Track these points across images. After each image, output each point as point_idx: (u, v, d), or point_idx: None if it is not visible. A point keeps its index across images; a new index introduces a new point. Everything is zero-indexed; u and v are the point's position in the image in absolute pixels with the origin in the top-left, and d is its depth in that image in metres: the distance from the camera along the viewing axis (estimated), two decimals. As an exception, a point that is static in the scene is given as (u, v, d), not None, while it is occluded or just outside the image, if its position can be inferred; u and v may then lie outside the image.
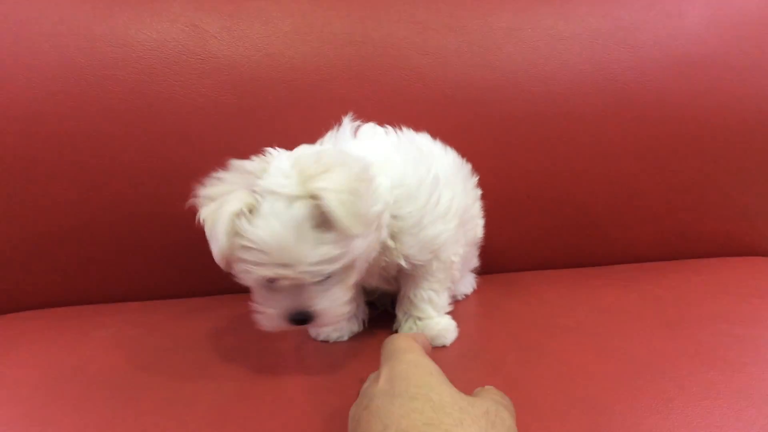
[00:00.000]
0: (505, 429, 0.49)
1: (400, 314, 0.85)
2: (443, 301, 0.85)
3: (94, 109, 0.94)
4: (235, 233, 0.65)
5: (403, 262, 0.77)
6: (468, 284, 0.98)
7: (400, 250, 0.76)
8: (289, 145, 0.73)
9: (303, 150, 0.72)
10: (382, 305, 0.94)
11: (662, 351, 0.78)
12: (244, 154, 0.95)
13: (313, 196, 0.64)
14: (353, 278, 0.70)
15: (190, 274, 0.99)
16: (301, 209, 0.64)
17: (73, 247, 0.96)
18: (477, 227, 0.93)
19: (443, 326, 0.82)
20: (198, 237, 0.97)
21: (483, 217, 0.96)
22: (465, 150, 1.00)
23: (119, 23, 0.96)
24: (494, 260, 1.07)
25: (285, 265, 0.65)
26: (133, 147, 0.95)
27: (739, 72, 1.11)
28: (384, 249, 0.76)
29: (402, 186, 0.75)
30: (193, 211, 0.96)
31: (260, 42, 0.98)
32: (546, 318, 0.89)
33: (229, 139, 0.97)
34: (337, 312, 0.70)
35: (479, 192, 0.93)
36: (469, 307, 0.94)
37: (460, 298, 0.96)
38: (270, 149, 0.71)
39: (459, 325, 0.84)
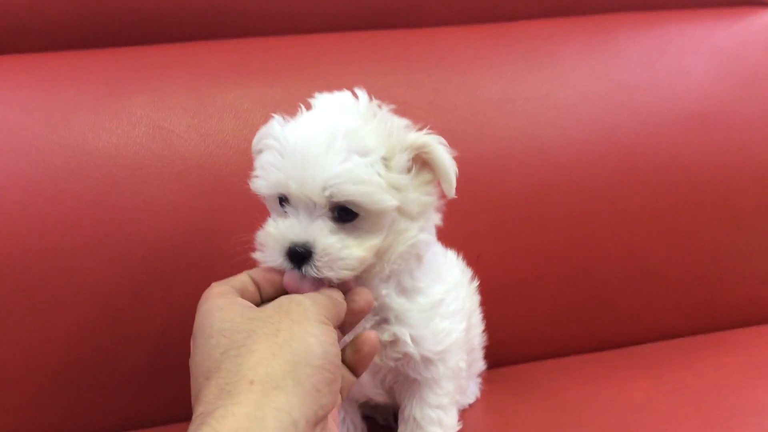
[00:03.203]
0: (300, 308, 0.51)
1: (404, 438, 0.75)
2: (452, 419, 0.75)
3: (52, 227, 0.85)
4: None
5: (412, 349, 0.67)
6: (471, 393, 0.88)
7: (410, 334, 0.67)
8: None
9: None
10: (384, 419, 0.84)
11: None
12: (222, 263, 0.88)
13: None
14: (372, 239, 0.60)
15: (165, 399, 0.89)
16: (347, 123, 0.59)
17: (34, 380, 0.86)
18: (476, 336, 0.84)
19: (454, 451, 0.72)
20: (175, 359, 0.88)
21: (482, 324, 0.87)
22: (463, 233, 0.91)
23: (75, 129, 0.88)
24: (502, 352, 0.97)
25: (300, 180, 0.57)
26: (98, 265, 0.85)
27: (753, 127, 1.04)
28: (393, 338, 0.67)
29: (433, 261, 0.69)
30: (170, 333, 0.88)
31: (231, 139, 0.90)
32: (570, 426, 0.80)
33: (203, 247, 0.88)
34: (340, 258, 0.58)
35: (479, 299, 0.83)
36: (479, 417, 0.85)
37: (462, 408, 0.86)
38: None
39: (472, 445, 0.74)
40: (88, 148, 0.88)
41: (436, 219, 0.68)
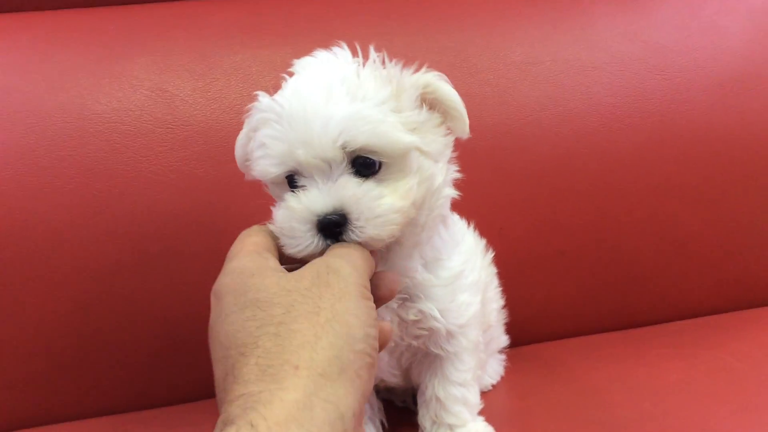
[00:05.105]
0: (341, 280, 0.48)
1: (427, 423, 0.70)
2: (476, 397, 0.72)
3: (49, 197, 0.81)
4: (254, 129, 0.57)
5: (440, 324, 0.64)
6: (494, 372, 0.83)
7: (436, 307, 0.64)
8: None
9: None
10: (403, 402, 0.80)
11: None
12: (229, 233, 0.83)
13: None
14: (404, 183, 0.54)
15: (171, 378, 0.85)
16: (340, 69, 0.55)
17: (33, 360, 0.82)
18: (492, 312, 0.79)
19: (480, 434, 0.69)
20: (181, 335, 0.84)
21: (502, 300, 0.83)
22: (484, 205, 0.88)
23: (73, 93, 0.83)
24: (526, 330, 0.93)
25: (307, 141, 0.52)
26: (98, 237, 0.81)
27: (794, 92, 0.98)
28: (419, 317, 0.64)
29: (452, 227, 0.67)
30: (175, 308, 0.84)
31: (238, 103, 0.86)
32: (601, 409, 0.75)
33: (209, 218, 0.83)
34: (378, 215, 0.52)
35: (495, 270, 0.79)
36: (503, 399, 0.80)
37: (486, 389, 0.82)
38: None
39: (497, 429, 0.70)
40: (87, 113, 0.84)
41: (453, 171, 0.63)
